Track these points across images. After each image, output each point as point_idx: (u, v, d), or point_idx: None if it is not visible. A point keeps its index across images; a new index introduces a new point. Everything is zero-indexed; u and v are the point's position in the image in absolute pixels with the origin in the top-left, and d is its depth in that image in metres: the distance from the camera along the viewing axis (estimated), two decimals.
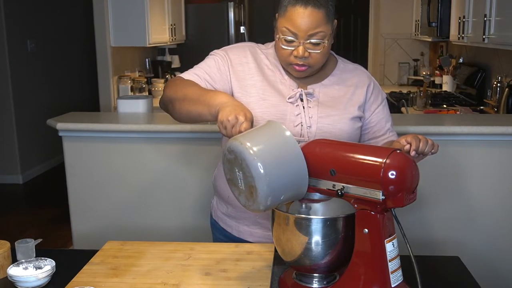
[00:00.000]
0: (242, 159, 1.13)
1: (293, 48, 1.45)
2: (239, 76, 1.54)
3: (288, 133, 1.16)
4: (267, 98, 1.52)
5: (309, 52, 1.44)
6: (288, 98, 1.52)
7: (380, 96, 1.61)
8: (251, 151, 1.11)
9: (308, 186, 1.18)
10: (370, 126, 1.60)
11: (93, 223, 2.63)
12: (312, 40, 1.43)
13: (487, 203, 2.44)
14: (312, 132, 1.51)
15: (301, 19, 1.40)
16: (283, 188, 1.14)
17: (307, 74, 1.52)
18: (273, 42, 1.57)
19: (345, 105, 1.54)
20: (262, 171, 1.10)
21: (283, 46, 1.46)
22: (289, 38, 1.43)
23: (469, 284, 1.35)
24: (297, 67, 1.48)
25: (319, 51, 1.45)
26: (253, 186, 1.12)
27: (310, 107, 1.52)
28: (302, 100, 1.52)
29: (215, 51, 1.61)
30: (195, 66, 1.59)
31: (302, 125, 1.51)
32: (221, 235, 1.71)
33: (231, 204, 1.63)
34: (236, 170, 1.17)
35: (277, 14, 1.48)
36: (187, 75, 1.55)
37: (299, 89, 1.53)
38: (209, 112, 1.33)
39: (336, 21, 1.48)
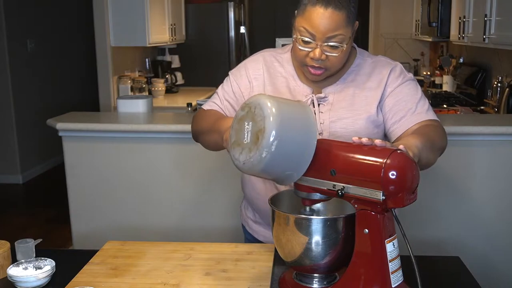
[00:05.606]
0: (256, 105, 1.13)
1: (310, 50, 1.38)
2: (253, 91, 1.53)
3: (312, 115, 1.16)
4: None
5: (326, 55, 1.37)
6: None
7: (401, 77, 1.49)
8: (267, 98, 1.13)
9: (308, 186, 1.18)
10: (387, 110, 1.46)
11: (93, 223, 2.62)
12: (330, 43, 1.35)
13: (488, 203, 2.43)
14: (325, 138, 1.43)
15: (320, 20, 1.32)
16: (288, 145, 1.11)
17: (323, 78, 1.45)
18: (291, 45, 1.52)
19: (360, 104, 1.46)
20: (274, 110, 1.10)
21: (300, 47, 1.39)
22: (306, 39, 1.36)
23: (469, 284, 1.34)
24: (312, 70, 1.41)
25: (336, 55, 1.37)
26: (261, 129, 1.10)
27: (321, 112, 1.47)
28: (315, 105, 1.47)
29: (233, 71, 1.60)
30: (216, 91, 1.62)
31: None
32: (250, 237, 1.71)
33: (256, 210, 1.63)
34: (245, 123, 1.15)
35: (296, 12, 1.40)
36: (207, 105, 1.61)
37: (311, 95, 1.48)
38: (221, 138, 1.36)
39: (357, 22, 1.40)
